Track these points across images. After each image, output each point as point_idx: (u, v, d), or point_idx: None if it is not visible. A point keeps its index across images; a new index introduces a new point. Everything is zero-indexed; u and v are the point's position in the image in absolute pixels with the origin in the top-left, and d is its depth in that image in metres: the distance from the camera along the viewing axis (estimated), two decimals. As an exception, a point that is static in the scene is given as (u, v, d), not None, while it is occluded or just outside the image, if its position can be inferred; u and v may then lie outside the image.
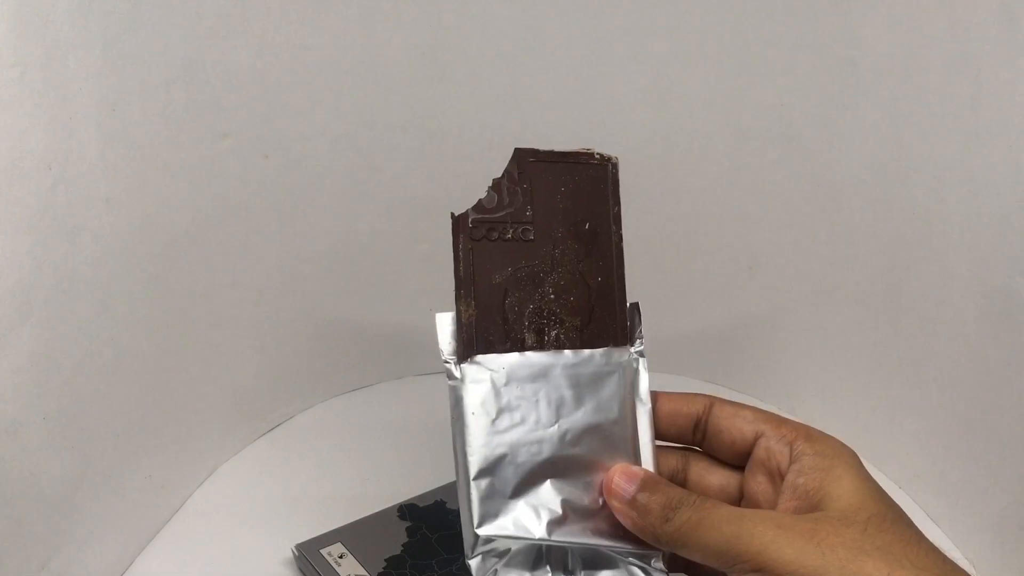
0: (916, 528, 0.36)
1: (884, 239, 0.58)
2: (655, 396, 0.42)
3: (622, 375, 0.41)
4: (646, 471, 0.40)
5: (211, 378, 0.58)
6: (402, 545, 0.52)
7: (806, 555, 0.34)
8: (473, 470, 0.38)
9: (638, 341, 0.42)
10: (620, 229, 0.42)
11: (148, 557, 0.53)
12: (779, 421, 0.40)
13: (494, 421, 0.39)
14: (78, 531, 0.48)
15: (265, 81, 0.55)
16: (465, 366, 0.39)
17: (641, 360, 0.42)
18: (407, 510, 0.55)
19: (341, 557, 0.51)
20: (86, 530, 0.48)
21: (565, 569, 0.39)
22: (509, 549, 0.38)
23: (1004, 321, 0.51)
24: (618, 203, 0.42)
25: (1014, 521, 0.52)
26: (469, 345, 0.39)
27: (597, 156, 0.42)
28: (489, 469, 0.38)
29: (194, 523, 0.56)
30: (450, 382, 0.39)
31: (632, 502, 0.38)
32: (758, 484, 0.40)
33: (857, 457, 0.39)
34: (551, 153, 0.42)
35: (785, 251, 0.63)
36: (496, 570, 0.38)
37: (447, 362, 0.40)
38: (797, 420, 0.41)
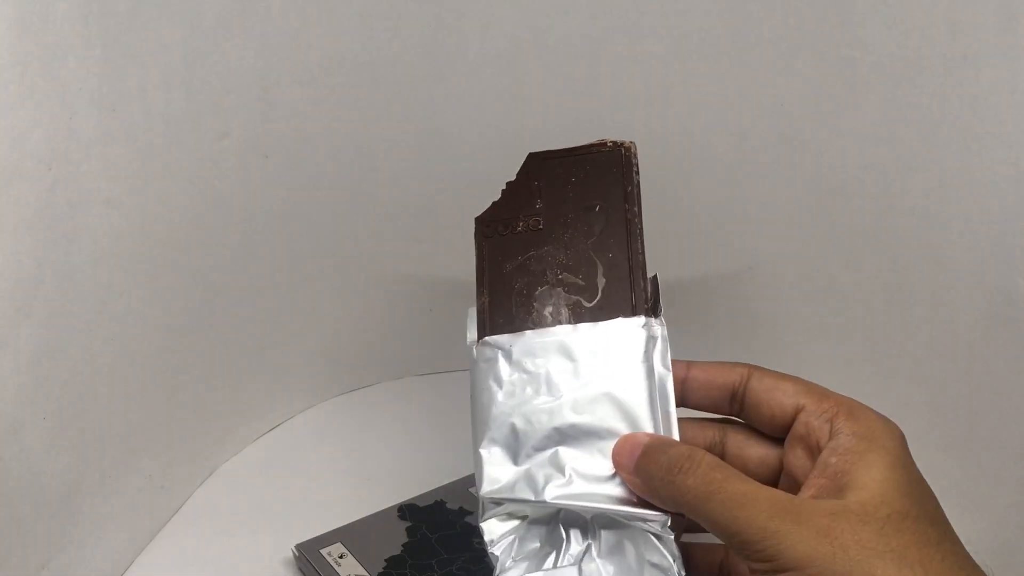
0: (942, 527, 0.36)
1: (884, 239, 0.58)
2: (689, 365, 0.41)
3: (638, 345, 0.41)
4: (651, 435, 0.39)
5: (211, 378, 0.58)
6: (402, 545, 0.52)
7: (819, 555, 0.33)
8: (481, 439, 0.40)
9: (659, 311, 0.42)
10: (635, 206, 0.43)
11: (148, 557, 0.53)
12: (821, 394, 0.39)
13: (503, 393, 0.40)
14: (78, 531, 0.48)
15: (265, 81, 0.55)
16: (479, 347, 0.41)
17: (661, 329, 0.41)
18: (407, 510, 0.55)
19: (341, 557, 0.51)
20: (86, 530, 0.48)
21: (584, 533, 0.39)
22: (526, 516, 0.39)
23: (1004, 321, 0.51)
24: (632, 182, 0.43)
25: (1014, 521, 0.52)
26: (482, 329, 0.42)
27: (610, 144, 0.43)
28: (496, 438, 0.40)
29: (194, 523, 0.56)
30: (471, 365, 0.41)
31: (636, 468, 0.38)
32: (797, 459, 0.39)
33: (899, 439, 0.37)
34: (564, 151, 0.43)
35: (785, 251, 0.63)
36: (516, 539, 0.39)
37: (470, 347, 0.42)
38: (841, 394, 0.39)
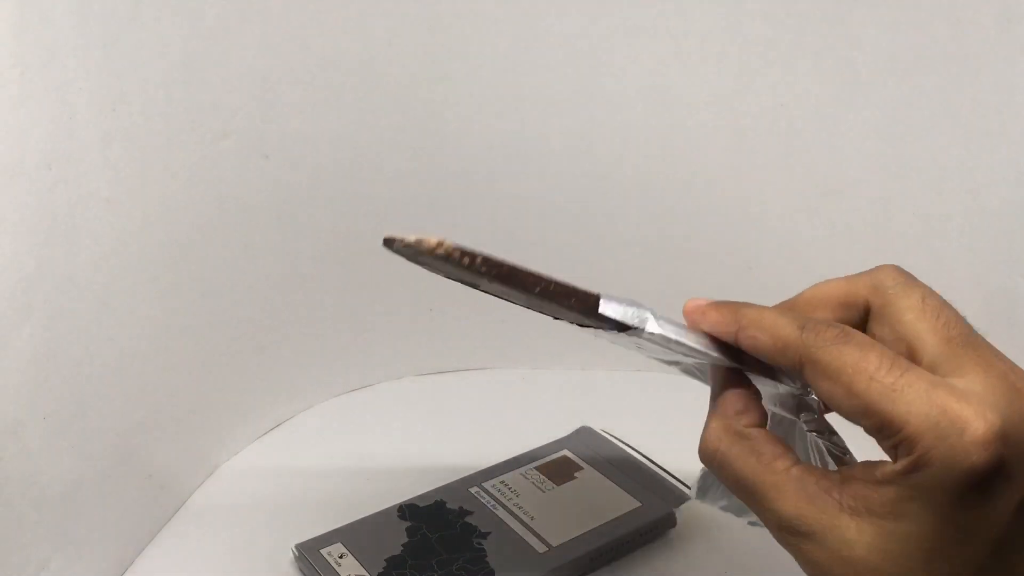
0: None
1: (884, 239, 0.58)
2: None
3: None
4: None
5: (211, 378, 0.58)
6: (402, 545, 0.52)
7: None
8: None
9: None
10: (491, 258, 0.34)
11: (148, 557, 0.53)
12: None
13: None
14: (78, 531, 0.48)
15: (265, 81, 0.55)
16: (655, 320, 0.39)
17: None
18: (407, 510, 0.55)
19: (341, 557, 0.51)
20: (86, 530, 0.48)
21: None
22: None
23: (1004, 321, 0.51)
24: (477, 269, 0.34)
25: (1014, 521, 0.51)
26: (595, 302, 0.37)
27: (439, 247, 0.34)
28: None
29: (194, 523, 0.56)
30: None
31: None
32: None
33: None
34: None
35: (785, 251, 0.63)
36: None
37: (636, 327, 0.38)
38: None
